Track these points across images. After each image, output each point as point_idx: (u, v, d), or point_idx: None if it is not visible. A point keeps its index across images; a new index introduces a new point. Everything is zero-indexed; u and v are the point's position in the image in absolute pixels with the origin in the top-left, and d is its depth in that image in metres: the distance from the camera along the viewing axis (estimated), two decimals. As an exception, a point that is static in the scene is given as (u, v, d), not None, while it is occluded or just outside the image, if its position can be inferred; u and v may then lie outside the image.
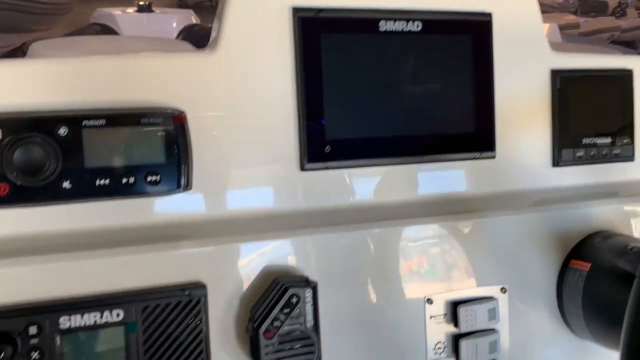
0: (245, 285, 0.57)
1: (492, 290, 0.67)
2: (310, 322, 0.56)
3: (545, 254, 0.69)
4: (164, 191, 0.56)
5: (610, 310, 0.64)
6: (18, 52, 1.40)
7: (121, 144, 0.54)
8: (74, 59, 0.55)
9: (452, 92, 0.69)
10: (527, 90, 0.74)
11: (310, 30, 0.63)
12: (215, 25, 0.63)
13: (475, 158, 0.70)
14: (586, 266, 0.68)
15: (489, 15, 0.71)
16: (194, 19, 2.37)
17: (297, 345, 0.55)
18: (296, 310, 0.55)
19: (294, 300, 0.55)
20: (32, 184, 0.51)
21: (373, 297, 0.62)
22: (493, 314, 0.66)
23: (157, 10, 2.40)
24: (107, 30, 2.10)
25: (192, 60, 0.60)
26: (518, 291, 0.68)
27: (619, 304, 0.55)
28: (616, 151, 0.79)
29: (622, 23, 4.20)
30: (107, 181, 0.54)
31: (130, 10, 2.35)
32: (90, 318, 0.51)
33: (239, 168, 0.61)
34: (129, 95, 0.56)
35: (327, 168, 0.63)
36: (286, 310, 0.55)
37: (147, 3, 2.35)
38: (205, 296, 0.55)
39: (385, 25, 0.66)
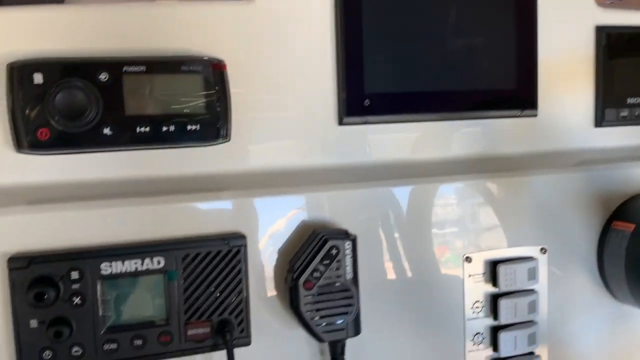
0: (283, 237, 0.57)
1: (531, 251, 0.65)
2: (349, 275, 0.55)
3: (586, 215, 0.67)
4: (203, 141, 0.55)
5: (655, 272, 0.62)
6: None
7: (161, 92, 0.53)
8: (114, 5, 0.55)
9: (494, 47, 0.66)
10: (571, 47, 0.72)
11: (351, -20, 0.61)
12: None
13: (516, 116, 0.68)
14: (630, 227, 0.66)
15: (534, -33, 0.69)
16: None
17: (336, 297, 0.55)
18: (336, 262, 0.55)
19: (334, 252, 0.54)
20: (73, 130, 0.51)
21: (410, 255, 0.61)
22: (533, 274, 0.64)
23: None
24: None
25: (231, 9, 0.58)
26: (558, 252, 0.66)
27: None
28: (662, 112, 0.77)
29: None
30: (147, 129, 0.53)
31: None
32: (131, 265, 0.51)
33: (276, 121, 0.60)
34: (169, 43, 0.55)
35: (365, 122, 0.62)
36: (326, 262, 0.54)
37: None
38: (245, 246, 0.54)
39: (427, -24, 0.63)
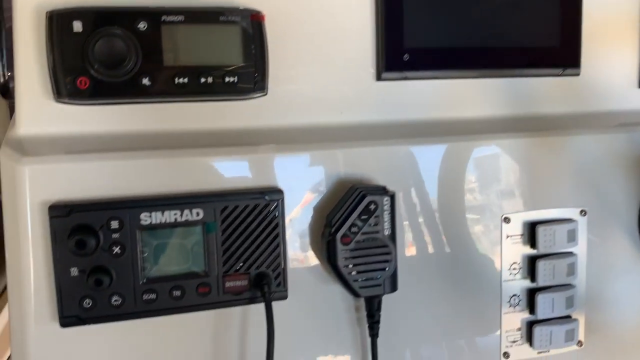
0: (320, 192, 0.56)
1: (571, 213, 0.64)
2: (387, 231, 0.55)
3: (628, 178, 0.65)
4: (241, 94, 0.54)
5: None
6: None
7: (199, 42, 0.53)
8: (151, -47, 0.54)
9: (537, 2, 0.64)
10: (616, 4, 0.69)
11: None
12: None
13: (558, 75, 0.66)
14: (674, 190, 0.64)
15: None
16: None
17: (374, 253, 0.54)
18: (374, 218, 0.54)
19: (372, 207, 0.54)
20: (112, 79, 0.51)
21: (448, 213, 0.60)
22: (572, 236, 0.63)
23: None
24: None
25: (269, -40, 0.57)
26: (598, 215, 0.65)
27: None
28: None
29: None
30: (185, 80, 0.53)
31: None
32: (170, 216, 0.51)
33: (313, 76, 0.59)
34: (206, -8, 0.55)
35: (404, 78, 0.60)
36: (364, 217, 0.54)
37: None
38: (282, 200, 0.54)
39: None
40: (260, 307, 0.55)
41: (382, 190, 0.54)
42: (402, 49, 0.60)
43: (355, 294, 0.55)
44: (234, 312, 0.55)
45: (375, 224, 0.54)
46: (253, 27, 0.54)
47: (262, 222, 0.54)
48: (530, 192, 0.63)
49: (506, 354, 0.63)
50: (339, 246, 0.53)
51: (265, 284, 0.53)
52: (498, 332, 0.63)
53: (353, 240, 0.54)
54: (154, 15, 0.51)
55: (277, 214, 0.54)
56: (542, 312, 0.63)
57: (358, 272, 0.54)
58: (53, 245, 0.49)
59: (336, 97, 0.59)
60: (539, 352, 0.64)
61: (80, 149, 0.51)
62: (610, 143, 0.65)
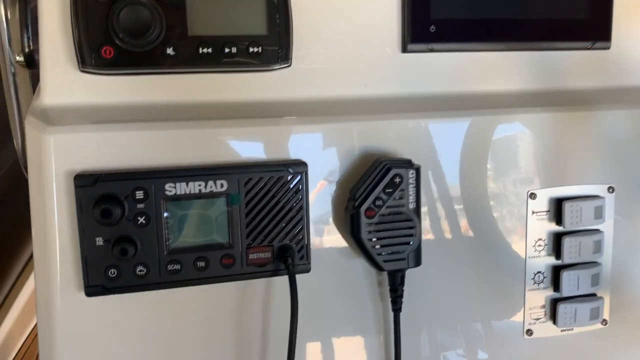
0: (344, 165, 0.56)
1: (598, 189, 0.63)
2: (412, 204, 0.54)
3: (658, 154, 0.64)
4: (265, 64, 0.54)
5: None
6: None
7: (223, 12, 0.52)
8: None
9: (568, -27, 0.63)
10: (650, -24, 0.67)
11: None
12: None
13: (587, 48, 0.65)
14: None
15: None
16: None
17: (398, 227, 0.54)
18: (399, 191, 0.53)
19: (397, 180, 0.53)
20: (136, 48, 0.50)
21: (473, 187, 0.59)
22: (599, 213, 0.62)
23: None
24: None
25: None
26: (626, 192, 0.63)
27: None
28: None
29: None
30: (210, 50, 0.52)
31: None
32: (194, 187, 0.51)
33: (338, 47, 0.58)
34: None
35: (430, 50, 0.59)
36: (388, 190, 0.53)
37: None
38: (306, 173, 0.53)
39: None
40: (282, 280, 0.55)
41: (408, 164, 0.54)
42: (429, 20, 0.59)
43: (378, 267, 0.55)
44: (257, 285, 0.55)
45: (400, 198, 0.54)
46: (277, -4, 0.53)
47: (286, 195, 0.53)
48: (557, 167, 0.62)
49: (529, 331, 0.63)
50: (363, 219, 0.53)
51: (288, 257, 0.53)
52: (521, 310, 0.63)
53: (377, 214, 0.53)
54: (178, -16, 0.51)
55: (300, 187, 0.54)
56: (567, 290, 0.62)
57: (382, 246, 0.54)
58: (78, 214, 0.50)
59: (360, 69, 0.59)
60: (562, 330, 0.64)
61: (105, 119, 0.51)
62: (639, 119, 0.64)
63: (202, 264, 0.52)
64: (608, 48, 0.65)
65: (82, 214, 0.49)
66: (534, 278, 0.62)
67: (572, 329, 0.64)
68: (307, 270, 0.55)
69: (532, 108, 0.61)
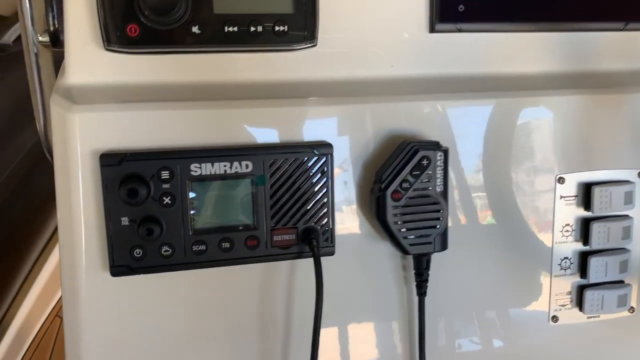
0: (369, 147, 0.55)
1: (628, 174, 0.61)
2: (439, 187, 0.53)
3: (691, 139, 0.63)
4: (290, 43, 0.53)
5: None
6: None
7: (249, -11, 0.51)
8: None
9: (602, -49, 0.61)
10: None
11: None
12: None
13: (620, 29, 0.63)
14: None
15: None
16: None
17: (425, 210, 0.53)
18: (426, 173, 0.53)
19: (425, 162, 0.52)
20: (162, 26, 0.50)
21: (500, 170, 0.58)
22: (629, 198, 0.60)
23: None
24: None
25: None
26: (657, 178, 0.62)
27: None
28: None
29: None
30: (235, 29, 0.51)
31: None
32: (220, 167, 0.51)
33: (363, 27, 0.57)
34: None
35: (459, 30, 0.58)
36: (416, 173, 0.52)
37: None
38: (331, 155, 0.53)
39: None
40: (306, 263, 0.54)
41: (435, 145, 0.53)
42: (458, -1, 0.57)
43: (404, 251, 0.54)
44: (281, 267, 0.55)
45: (428, 180, 0.53)
46: (304, -26, 0.52)
47: (311, 177, 0.53)
48: (586, 152, 0.60)
49: (555, 318, 0.62)
50: (389, 202, 0.52)
51: (313, 239, 0.53)
52: (547, 296, 0.62)
53: (404, 197, 0.52)
54: (204, -39, 0.50)
55: (325, 169, 0.53)
56: (594, 276, 0.61)
57: (408, 229, 0.53)
58: (104, 194, 0.49)
59: (387, 50, 0.57)
60: (588, 317, 0.63)
61: (130, 98, 0.51)
62: (673, 102, 0.62)
63: (227, 245, 0.52)
64: (641, 29, 0.64)
65: (108, 193, 0.49)
66: (560, 264, 0.61)
67: (599, 316, 0.63)
68: (332, 253, 0.54)
69: (561, 90, 0.60)
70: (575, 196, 0.60)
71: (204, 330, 0.55)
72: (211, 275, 0.53)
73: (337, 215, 0.55)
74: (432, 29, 0.58)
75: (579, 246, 0.61)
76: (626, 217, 0.61)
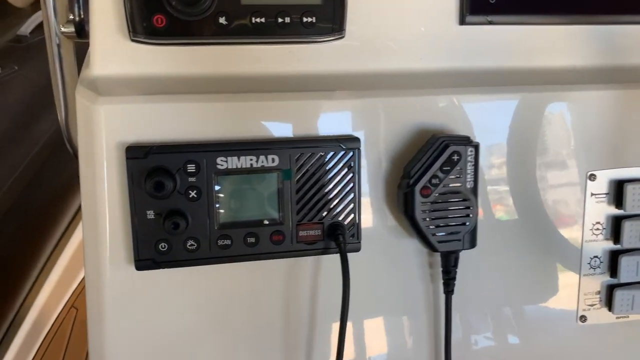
0: (397, 141, 0.54)
1: (662, 172, 0.60)
2: (470, 184, 0.52)
3: None
4: (318, 35, 0.52)
5: None
6: None
7: (278, -21, 0.50)
8: None
9: (638, -59, 0.59)
10: None
11: None
12: None
13: (655, 22, 0.61)
14: None
15: None
16: None
17: (455, 207, 0.52)
18: (456, 169, 0.51)
19: (455, 157, 0.51)
20: (189, 17, 0.49)
21: (530, 166, 0.57)
22: (663, 196, 0.59)
23: None
24: None
25: None
26: (691, 175, 0.61)
27: None
28: None
29: None
30: (262, 20, 0.50)
31: None
32: (246, 161, 0.50)
33: (392, 19, 0.55)
34: None
35: (489, 23, 0.56)
36: (446, 168, 0.51)
37: None
38: (359, 150, 0.52)
39: None
40: (331, 259, 0.54)
41: (466, 140, 0.51)
42: (489, -10, 0.56)
43: (432, 248, 0.53)
44: (306, 262, 0.54)
45: (458, 176, 0.51)
46: (333, -36, 0.51)
47: (338, 171, 0.52)
48: (619, 148, 0.59)
49: (583, 318, 0.61)
50: (418, 198, 0.51)
51: (339, 235, 0.52)
52: (575, 295, 0.60)
53: (433, 193, 0.51)
54: (231, -50, 0.49)
55: (352, 164, 0.52)
56: (625, 276, 0.59)
57: (437, 226, 0.52)
58: (130, 187, 0.49)
59: (415, 42, 0.56)
60: (617, 317, 0.61)
61: (156, 90, 0.50)
62: None
63: (252, 239, 0.51)
64: (677, 22, 0.62)
65: (134, 186, 0.48)
66: (589, 263, 0.60)
67: (628, 317, 0.61)
68: (358, 250, 0.53)
69: (594, 85, 0.58)
70: (607, 194, 0.59)
71: (228, 325, 0.54)
72: (235, 270, 0.53)
73: (363, 210, 0.54)
74: (462, 21, 0.56)
75: (610, 245, 0.60)
76: (659, 215, 0.60)
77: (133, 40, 0.50)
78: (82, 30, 0.55)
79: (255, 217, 0.51)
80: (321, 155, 0.51)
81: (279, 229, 0.51)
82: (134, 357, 0.53)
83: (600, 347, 0.62)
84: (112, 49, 0.51)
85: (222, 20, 0.50)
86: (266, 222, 0.51)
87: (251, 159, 0.50)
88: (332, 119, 0.53)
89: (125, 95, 0.49)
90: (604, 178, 0.59)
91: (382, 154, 0.54)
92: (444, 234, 0.52)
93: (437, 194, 0.51)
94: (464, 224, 0.52)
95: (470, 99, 0.55)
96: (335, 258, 0.52)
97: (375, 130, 0.54)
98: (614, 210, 0.59)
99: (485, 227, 0.57)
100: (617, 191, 0.59)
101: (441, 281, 0.55)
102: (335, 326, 0.54)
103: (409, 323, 0.57)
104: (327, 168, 0.52)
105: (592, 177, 0.58)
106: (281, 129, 0.52)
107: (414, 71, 0.56)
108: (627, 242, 0.59)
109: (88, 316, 0.53)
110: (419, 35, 0.56)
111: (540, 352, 0.61)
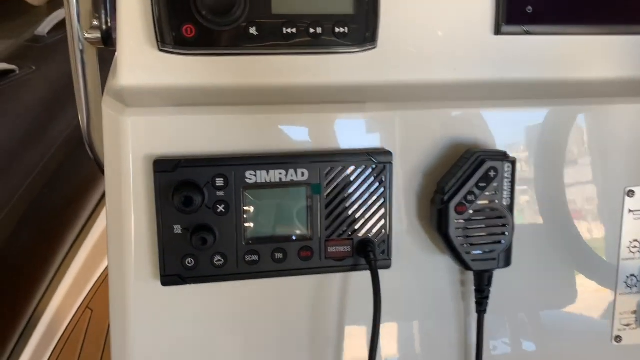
0: (430, 155, 0.52)
1: (703, 188, 0.58)
2: (506, 200, 0.50)
3: None
4: (350, 46, 0.50)
5: None
6: None
7: (310, -12, 0.49)
8: None
9: (681, -51, 0.57)
10: None
11: None
12: None
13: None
14: None
15: None
16: None
17: (490, 224, 0.50)
18: (492, 185, 0.50)
19: (492, 174, 0.49)
20: (219, 27, 0.47)
21: (566, 181, 0.55)
22: None
23: None
24: None
25: None
26: None
27: None
28: None
29: None
30: (294, 30, 0.49)
31: None
32: (275, 175, 0.49)
33: (426, 28, 0.54)
34: None
35: (526, 33, 0.54)
36: (482, 185, 0.49)
37: None
38: (391, 164, 0.50)
39: None
40: (361, 276, 0.52)
41: (503, 156, 0.50)
42: (525, 0, 0.54)
43: (466, 267, 0.51)
44: (335, 279, 0.53)
45: (494, 193, 0.50)
46: (367, -28, 0.50)
47: (369, 186, 0.50)
48: (658, 163, 0.57)
49: (618, 338, 0.59)
50: (452, 215, 0.50)
51: (370, 252, 0.50)
52: (611, 314, 0.59)
53: (468, 210, 0.50)
54: (263, -41, 0.48)
55: (384, 178, 0.51)
56: (663, 296, 0.58)
57: (472, 244, 0.50)
58: (157, 201, 0.48)
59: (450, 52, 0.54)
60: (654, 338, 0.60)
61: (184, 102, 0.49)
62: None
63: (280, 255, 0.50)
64: None
65: (161, 200, 0.47)
66: (626, 281, 0.58)
67: (665, 338, 0.60)
68: (388, 267, 0.52)
69: (632, 98, 0.56)
70: (645, 210, 0.57)
71: (254, 342, 0.53)
72: (262, 286, 0.51)
73: (395, 224, 0.52)
74: (497, 31, 0.54)
75: (647, 263, 0.58)
76: (699, 233, 0.58)
77: (161, 50, 0.48)
78: (109, 39, 0.54)
79: (283, 233, 0.50)
80: (352, 170, 0.50)
81: (307, 244, 0.50)
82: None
83: (635, 368, 0.61)
84: (140, 59, 0.49)
85: (252, 30, 0.48)
86: (294, 237, 0.50)
87: (280, 173, 0.49)
88: (363, 132, 0.51)
89: (153, 106, 0.48)
90: (642, 194, 0.57)
91: (414, 168, 0.53)
92: (479, 252, 0.51)
93: (472, 211, 0.50)
94: (499, 242, 0.51)
95: (504, 111, 0.53)
96: (365, 275, 0.51)
97: (407, 144, 0.52)
98: (653, 228, 0.58)
99: (517, 242, 0.55)
100: (657, 208, 0.57)
101: (473, 300, 0.54)
102: (363, 344, 0.53)
103: (440, 342, 0.56)
104: (358, 183, 0.50)
105: (631, 194, 0.56)
106: (311, 142, 0.50)
107: (448, 82, 0.55)
108: (666, 261, 0.57)
109: (112, 331, 0.52)
110: (454, 46, 0.54)
111: (574, 373, 0.59)
